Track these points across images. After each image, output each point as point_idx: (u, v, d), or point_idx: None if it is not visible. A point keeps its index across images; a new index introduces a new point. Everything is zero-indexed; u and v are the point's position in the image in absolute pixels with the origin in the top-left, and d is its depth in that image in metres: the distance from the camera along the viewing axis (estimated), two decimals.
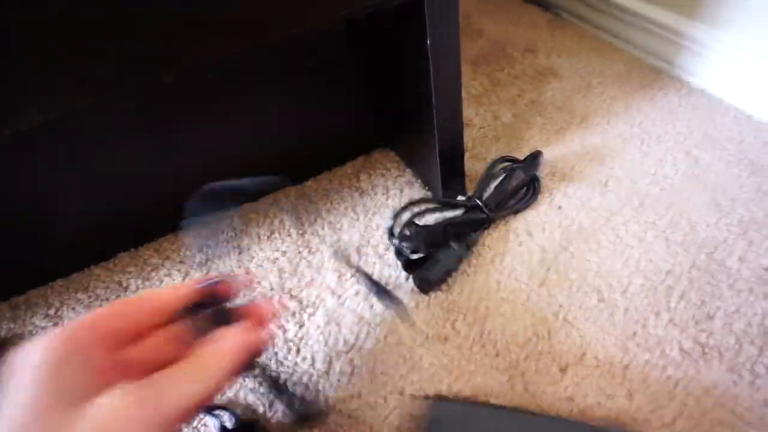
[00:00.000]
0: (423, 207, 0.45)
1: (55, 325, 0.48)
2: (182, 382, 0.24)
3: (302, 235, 0.52)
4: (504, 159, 0.51)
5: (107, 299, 0.49)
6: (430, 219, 0.48)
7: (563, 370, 0.39)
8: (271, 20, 0.36)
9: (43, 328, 0.48)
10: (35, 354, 0.23)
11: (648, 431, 0.35)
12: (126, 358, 0.26)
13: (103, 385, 0.23)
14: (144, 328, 0.28)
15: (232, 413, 0.39)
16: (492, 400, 0.38)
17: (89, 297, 0.50)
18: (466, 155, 0.57)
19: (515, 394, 0.38)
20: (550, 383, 0.39)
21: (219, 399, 0.41)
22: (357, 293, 0.46)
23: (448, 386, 0.39)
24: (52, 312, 0.49)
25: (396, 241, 0.44)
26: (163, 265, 0.52)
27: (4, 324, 0.49)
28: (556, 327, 0.42)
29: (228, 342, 0.27)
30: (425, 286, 0.44)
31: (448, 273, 0.44)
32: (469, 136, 0.60)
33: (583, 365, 0.39)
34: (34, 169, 0.46)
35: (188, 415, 0.24)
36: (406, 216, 0.45)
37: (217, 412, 0.39)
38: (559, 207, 0.50)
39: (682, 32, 0.61)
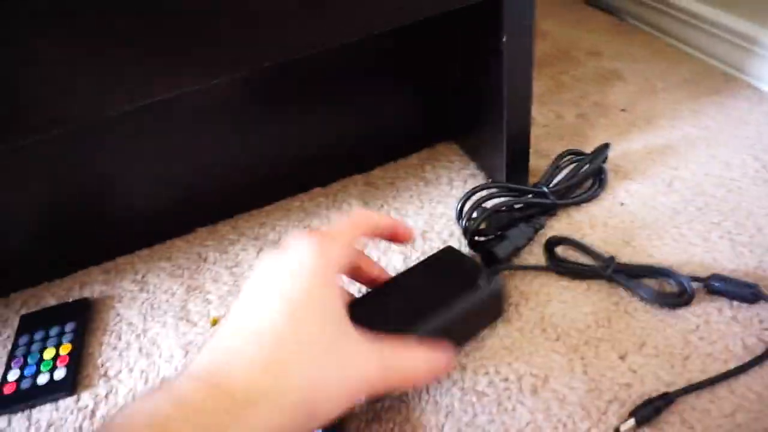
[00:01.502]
0: (492, 191, 0.47)
1: (142, 289, 0.52)
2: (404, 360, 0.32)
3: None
4: (571, 152, 0.52)
5: (188, 268, 0.54)
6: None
7: (622, 357, 0.40)
8: (359, 20, 0.39)
9: (131, 291, 0.52)
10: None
11: (707, 420, 0.36)
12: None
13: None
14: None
15: None
16: (552, 381, 0.40)
17: (172, 266, 0.54)
18: (530, 151, 0.58)
19: (574, 375, 0.40)
20: (608, 368, 0.40)
21: None
22: None
23: (508, 365, 0.41)
24: (139, 277, 0.54)
25: (464, 222, 0.46)
26: (239, 240, 0.55)
27: (97, 286, 0.54)
28: (616, 316, 0.43)
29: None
30: (492, 259, 0.46)
31: (516, 251, 0.46)
32: (532, 134, 0.61)
33: (642, 354, 0.40)
34: (122, 146, 0.50)
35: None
36: (472, 201, 0.48)
37: None
38: (622, 203, 0.51)
39: (753, 38, 0.61)
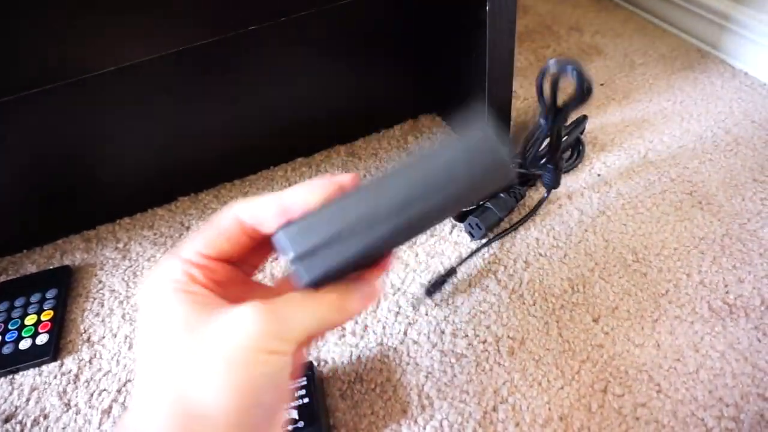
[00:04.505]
0: None
1: (124, 257, 0.52)
2: (308, 310, 0.23)
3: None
4: None
5: (171, 237, 0.54)
6: None
7: (596, 320, 0.42)
8: None
9: (113, 259, 0.52)
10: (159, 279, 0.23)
11: (673, 378, 0.38)
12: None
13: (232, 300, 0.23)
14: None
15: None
16: (528, 343, 0.41)
17: (154, 234, 0.54)
18: (511, 124, 0.59)
19: (550, 338, 0.41)
20: (582, 331, 0.42)
21: None
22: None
23: (486, 328, 0.42)
24: (120, 245, 0.54)
25: None
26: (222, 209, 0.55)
27: (78, 254, 0.53)
28: (591, 282, 0.44)
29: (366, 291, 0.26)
30: (476, 232, 0.47)
31: (499, 220, 0.47)
32: (513, 107, 0.62)
33: (614, 317, 0.42)
34: (103, 114, 0.50)
35: (308, 343, 0.25)
36: None
37: None
38: (598, 174, 0.53)
39: (728, 15, 0.63)
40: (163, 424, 0.21)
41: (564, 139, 0.51)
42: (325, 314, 0.24)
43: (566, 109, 0.40)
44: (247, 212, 0.24)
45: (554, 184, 0.47)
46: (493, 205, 0.47)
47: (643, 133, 0.57)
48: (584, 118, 0.53)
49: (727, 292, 0.42)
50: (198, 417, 0.21)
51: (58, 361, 0.44)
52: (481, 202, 0.47)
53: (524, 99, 0.63)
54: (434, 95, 0.62)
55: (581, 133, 0.53)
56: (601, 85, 0.64)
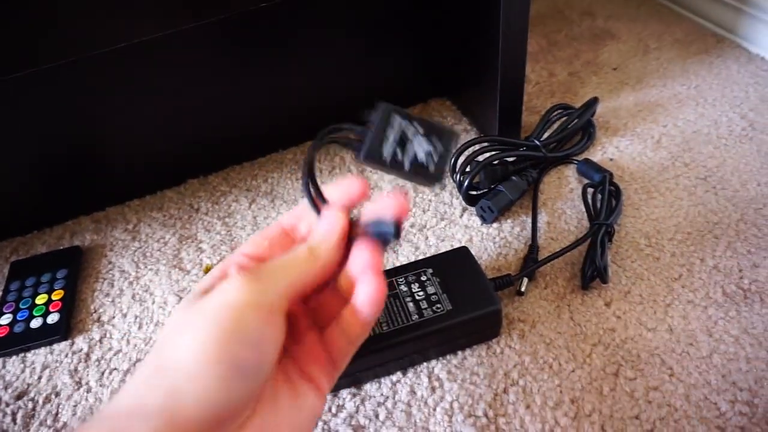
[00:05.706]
0: (484, 144, 0.47)
1: (134, 238, 0.52)
2: (283, 264, 0.26)
3: (362, 171, 0.55)
4: (560, 106, 0.53)
5: (180, 218, 0.54)
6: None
7: (608, 304, 0.42)
8: None
9: (122, 240, 0.52)
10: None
11: (685, 362, 0.38)
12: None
13: None
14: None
15: None
16: (539, 326, 0.41)
17: (163, 216, 0.54)
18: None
19: (561, 321, 0.41)
20: (594, 314, 0.41)
21: None
22: (413, 225, 0.49)
23: None
24: (130, 227, 0.54)
25: (458, 176, 0.47)
26: (231, 192, 0.55)
27: (88, 235, 0.53)
28: None
29: (323, 225, 0.27)
30: (488, 215, 0.46)
31: (511, 204, 0.47)
32: (524, 91, 0.61)
33: (626, 301, 0.42)
34: (113, 94, 0.50)
35: (300, 295, 0.26)
36: (465, 156, 0.48)
37: None
38: (611, 159, 0.52)
39: None
40: (137, 381, 0.22)
41: (574, 122, 0.51)
42: (299, 263, 0.26)
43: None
44: (286, 216, 0.30)
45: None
46: (505, 187, 0.46)
47: (657, 118, 0.56)
48: (595, 100, 0.53)
49: (741, 277, 0.42)
50: (166, 369, 0.22)
51: (69, 340, 0.45)
52: (493, 186, 0.47)
53: (536, 83, 0.63)
54: (445, 79, 0.61)
55: (592, 115, 0.52)
56: (614, 69, 0.63)
